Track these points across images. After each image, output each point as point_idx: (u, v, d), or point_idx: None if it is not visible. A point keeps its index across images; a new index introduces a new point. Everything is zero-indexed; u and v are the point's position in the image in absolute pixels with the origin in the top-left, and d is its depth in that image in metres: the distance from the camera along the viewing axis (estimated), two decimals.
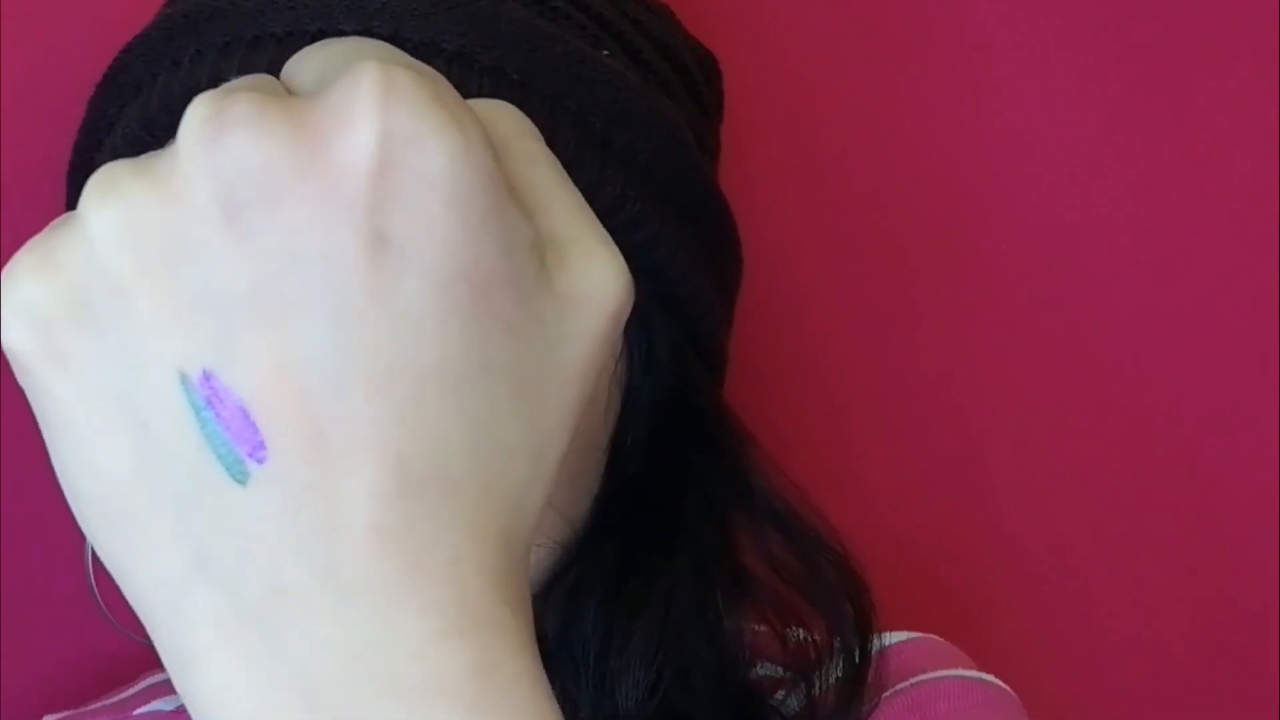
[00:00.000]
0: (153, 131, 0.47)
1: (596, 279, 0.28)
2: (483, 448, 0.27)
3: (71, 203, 0.55)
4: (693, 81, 0.53)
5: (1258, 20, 0.73)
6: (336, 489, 0.25)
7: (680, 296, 0.50)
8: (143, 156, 0.27)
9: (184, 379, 0.26)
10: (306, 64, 0.29)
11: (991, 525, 0.74)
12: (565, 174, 0.29)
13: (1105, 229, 0.73)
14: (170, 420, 0.26)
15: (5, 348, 0.27)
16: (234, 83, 0.28)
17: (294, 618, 0.25)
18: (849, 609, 0.50)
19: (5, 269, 0.27)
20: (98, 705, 0.62)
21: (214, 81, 0.46)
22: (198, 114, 0.26)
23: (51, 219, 0.63)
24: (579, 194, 0.29)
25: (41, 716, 0.63)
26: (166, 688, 0.62)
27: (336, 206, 0.25)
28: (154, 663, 0.65)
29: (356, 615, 0.25)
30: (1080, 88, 0.72)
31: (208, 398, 0.25)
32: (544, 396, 0.28)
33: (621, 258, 0.29)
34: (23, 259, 0.27)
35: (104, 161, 0.51)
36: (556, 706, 0.27)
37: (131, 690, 0.63)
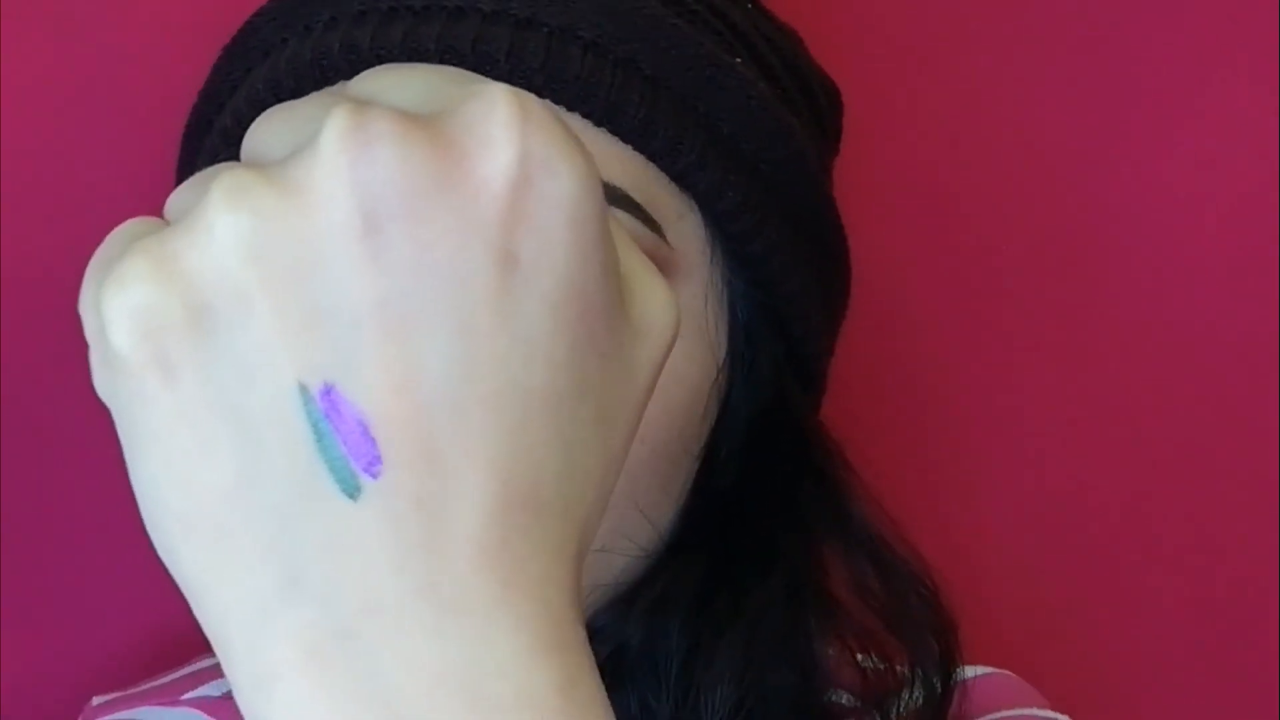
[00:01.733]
0: (278, 94, 0.47)
1: (658, 310, 0.29)
2: (568, 470, 0.27)
3: (184, 170, 0.54)
4: (817, 105, 0.53)
5: (1258, 20, 0.73)
6: (445, 506, 0.25)
7: (789, 315, 0.49)
8: (268, 165, 0.26)
9: (304, 391, 0.25)
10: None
11: (991, 524, 0.74)
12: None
13: (1105, 229, 0.73)
14: (284, 432, 0.25)
15: (110, 352, 0.26)
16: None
17: (388, 634, 0.25)
18: (934, 646, 0.50)
19: (116, 272, 0.26)
20: (146, 687, 0.62)
21: (346, 49, 0.46)
22: (339, 126, 0.25)
23: (51, 219, 0.63)
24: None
25: (89, 698, 0.64)
26: (215, 672, 0.62)
27: (473, 224, 0.26)
28: (188, 649, 0.66)
29: (452, 632, 0.25)
30: (1080, 88, 0.72)
31: (327, 411, 0.25)
32: (616, 422, 0.28)
33: (673, 293, 0.30)
34: (137, 261, 0.26)
35: (224, 124, 0.50)
36: None
37: (179, 673, 0.62)
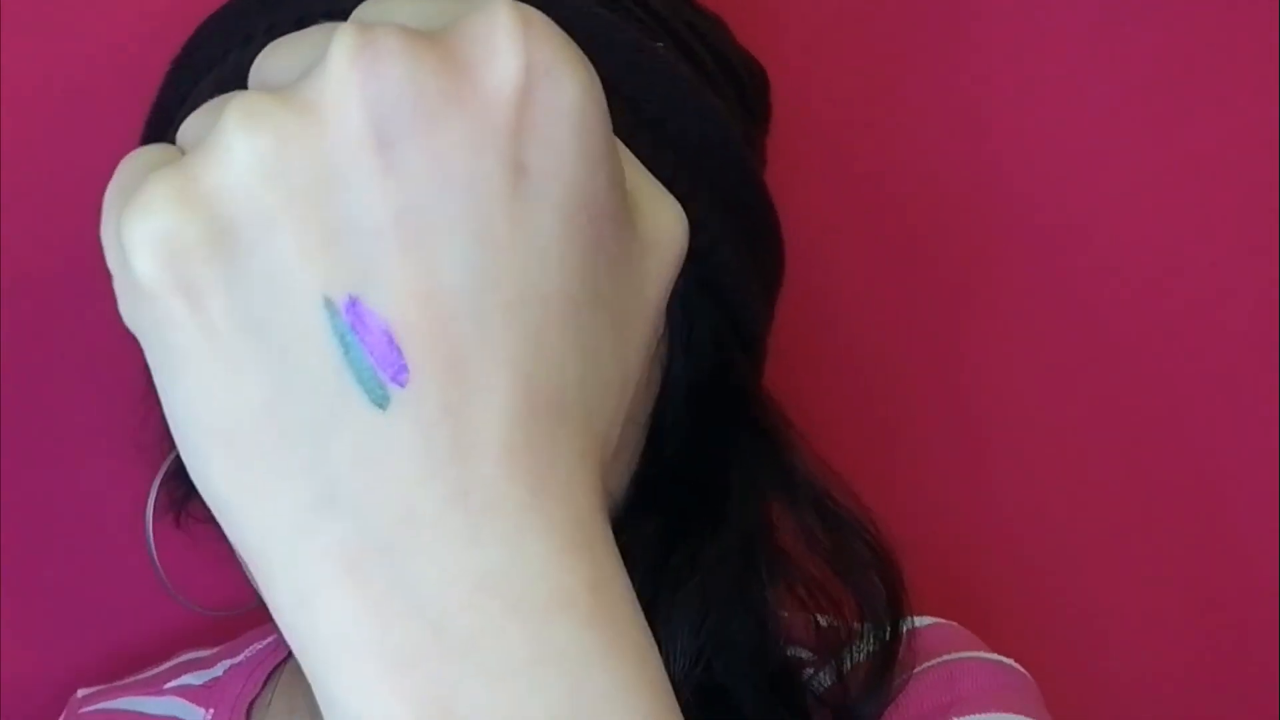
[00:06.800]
0: None
1: (666, 223, 0.30)
2: (588, 376, 0.27)
3: None
4: (743, 88, 0.54)
5: (1258, 20, 0.73)
6: (471, 411, 0.26)
7: (723, 284, 0.50)
8: (280, 88, 0.26)
9: (329, 305, 0.26)
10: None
11: (991, 523, 0.74)
12: None
13: (1105, 229, 0.73)
14: (311, 347, 0.26)
15: (134, 279, 0.26)
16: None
17: (424, 542, 0.26)
18: (880, 587, 0.51)
19: (137, 200, 0.26)
20: (130, 680, 0.64)
21: None
22: (347, 43, 0.26)
23: (52, 219, 0.64)
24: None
25: (74, 691, 0.65)
26: (198, 664, 0.63)
27: (483, 133, 0.26)
28: (167, 651, 0.66)
29: (485, 537, 0.26)
30: (1080, 88, 0.73)
31: (352, 323, 0.26)
32: (631, 332, 0.29)
33: (680, 208, 0.30)
34: (157, 188, 0.26)
35: (172, 137, 0.52)
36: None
37: (163, 667, 0.64)
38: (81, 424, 0.66)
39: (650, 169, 0.48)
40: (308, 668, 0.27)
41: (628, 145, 0.41)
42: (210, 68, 0.49)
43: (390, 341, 0.26)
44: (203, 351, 0.26)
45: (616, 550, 0.28)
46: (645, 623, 0.28)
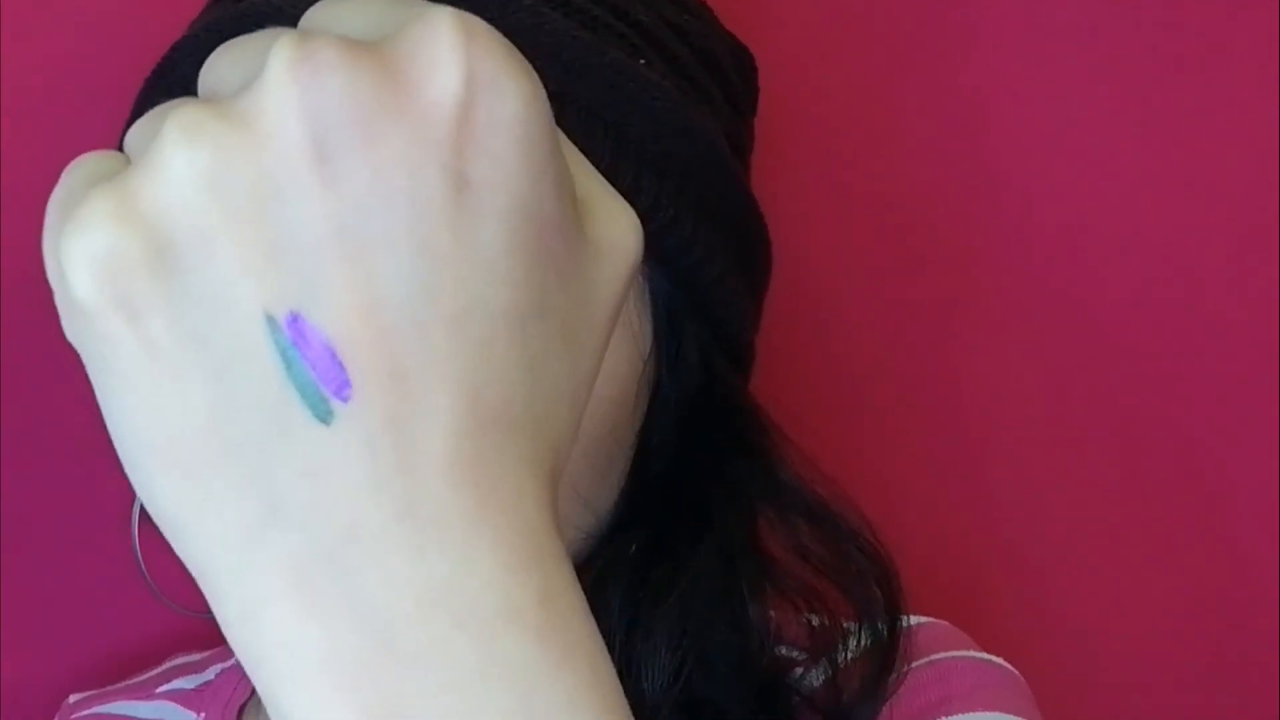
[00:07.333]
0: None
1: (619, 230, 0.29)
2: (537, 388, 0.27)
3: None
4: (729, 83, 0.54)
5: (1258, 20, 0.73)
6: (416, 425, 0.26)
7: (711, 301, 0.51)
8: (220, 100, 0.26)
9: (270, 321, 0.25)
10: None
11: (985, 523, 0.74)
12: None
13: (1106, 229, 0.73)
14: (253, 363, 0.26)
15: (73, 298, 0.26)
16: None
17: (371, 556, 0.26)
18: (878, 594, 0.51)
19: (75, 217, 0.26)
20: (121, 685, 0.64)
21: None
22: (285, 55, 0.25)
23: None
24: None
25: (66, 696, 0.64)
26: (189, 669, 0.63)
27: (424, 146, 0.26)
28: (165, 653, 0.66)
29: (433, 551, 0.26)
30: (1079, 86, 0.73)
31: (294, 338, 0.25)
32: (582, 341, 0.29)
33: (635, 213, 0.30)
34: (95, 205, 0.26)
35: None
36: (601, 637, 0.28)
37: (154, 671, 0.64)
38: (79, 427, 0.66)
39: (633, 196, 0.48)
40: (258, 682, 0.27)
41: (611, 168, 0.41)
42: (185, 88, 0.49)
43: (332, 357, 0.25)
44: (144, 369, 0.26)
45: (568, 562, 0.28)
46: (598, 634, 0.28)
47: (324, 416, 0.26)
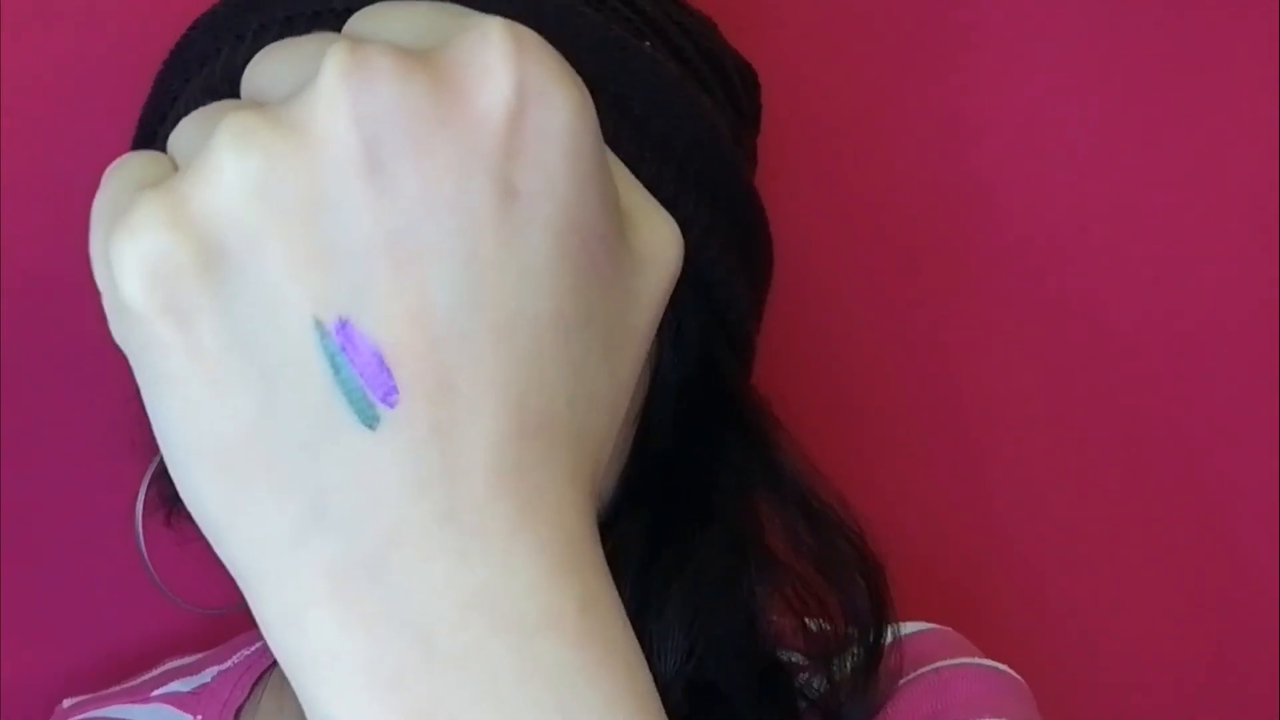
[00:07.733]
0: (216, 98, 0.48)
1: (661, 241, 0.30)
2: (580, 397, 0.28)
3: None
4: (732, 87, 0.54)
5: (1258, 20, 0.73)
6: (460, 432, 0.26)
7: (710, 280, 0.51)
8: (271, 105, 0.27)
9: (319, 326, 0.26)
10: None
11: (986, 526, 0.74)
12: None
13: (1106, 229, 0.73)
14: (301, 368, 0.26)
15: (122, 301, 0.26)
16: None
17: (413, 561, 0.26)
18: (863, 586, 0.51)
19: (125, 220, 0.26)
20: (116, 689, 0.63)
21: None
22: (338, 62, 0.26)
23: (52, 219, 0.64)
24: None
25: (60, 700, 0.64)
26: (184, 671, 0.63)
27: (474, 155, 0.26)
28: (165, 652, 0.66)
29: (475, 557, 0.26)
30: (1080, 89, 0.73)
31: (342, 344, 0.26)
32: (622, 351, 0.29)
33: (676, 225, 0.30)
34: (147, 208, 0.26)
35: (167, 133, 0.53)
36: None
37: (150, 674, 0.64)
38: (79, 427, 0.66)
39: (635, 169, 0.48)
40: (297, 684, 0.27)
41: (612, 144, 0.41)
42: (202, 65, 0.49)
43: (380, 363, 0.26)
44: (192, 373, 0.26)
45: (606, 569, 0.28)
46: (635, 640, 0.28)
47: (370, 422, 0.26)
